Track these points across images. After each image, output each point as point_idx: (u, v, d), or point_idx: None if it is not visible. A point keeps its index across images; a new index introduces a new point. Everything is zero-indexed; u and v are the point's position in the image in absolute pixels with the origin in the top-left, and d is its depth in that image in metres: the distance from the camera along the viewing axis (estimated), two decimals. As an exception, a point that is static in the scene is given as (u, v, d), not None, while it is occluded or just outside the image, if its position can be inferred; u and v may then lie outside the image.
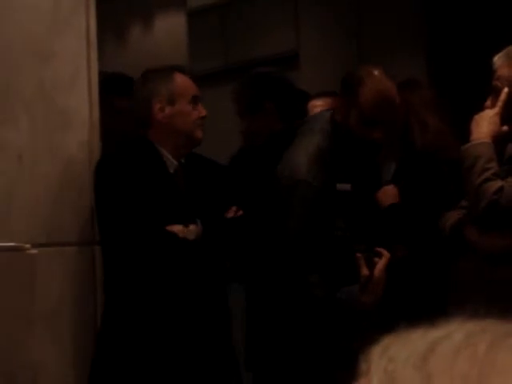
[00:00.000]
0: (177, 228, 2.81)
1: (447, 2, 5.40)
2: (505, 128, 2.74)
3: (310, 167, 2.88)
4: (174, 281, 2.81)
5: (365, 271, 2.74)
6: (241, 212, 2.97)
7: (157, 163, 2.91)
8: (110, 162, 2.90)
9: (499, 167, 2.67)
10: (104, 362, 2.87)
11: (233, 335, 3.09)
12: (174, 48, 5.66)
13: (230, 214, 2.95)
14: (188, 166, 2.98)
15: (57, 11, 3.04)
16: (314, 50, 5.90)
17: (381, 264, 2.76)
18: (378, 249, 2.80)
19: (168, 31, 5.81)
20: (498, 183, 2.63)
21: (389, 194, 3.27)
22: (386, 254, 2.78)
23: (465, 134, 2.81)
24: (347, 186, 2.97)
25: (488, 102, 2.78)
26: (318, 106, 4.08)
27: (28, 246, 2.83)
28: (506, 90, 2.73)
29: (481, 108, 2.79)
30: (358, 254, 2.76)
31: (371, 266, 2.75)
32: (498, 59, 2.77)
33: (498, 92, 2.75)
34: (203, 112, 2.98)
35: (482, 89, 2.82)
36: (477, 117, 2.76)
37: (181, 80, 2.97)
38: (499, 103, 2.73)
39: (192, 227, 2.85)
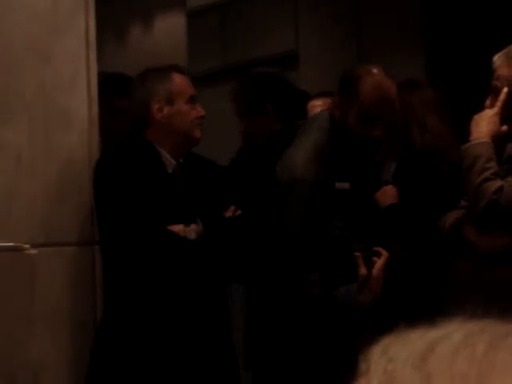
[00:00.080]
0: (178, 228, 2.81)
1: (447, 1, 5.39)
2: (504, 128, 2.74)
3: (307, 165, 2.88)
4: (175, 280, 2.80)
5: (363, 271, 2.73)
6: (239, 211, 2.97)
7: (156, 163, 2.91)
8: (110, 161, 2.90)
9: (499, 167, 2.67)
10: (102, 361, 2.87)
11: (232, 335, 3.09)
12: (173, 48, 5.65)
13: (229, 214, 2.95)
14: (186, 165, 2.98)
15: (56, 12, 3.04)
16: (313, 50, 5.89)
17: (379, 263, 2.75)
18: (377, 248, 2.79)
19: (167, 31, 5.80)
20: (498, 183, 2.63)
21: (388, 194, 3.27)
22: (384, 253, 2.77)
23: (464, 133, 2.81)
24: (346, 185, 2.96)
25: (487, 102, 2.78)
26: (317, 106, 4.08)
27: (27, 246, 2.83)
28: (505, 89, 2.73)
29: (480, 108, 2.79)
30: (357, 253, 2.75)
31: (370, 265, 2.74)
32: (497, 59, 2.77)
33: (497, 92, 2.75)
34: (201, 111, 2.98)
35: (481, 89, 2.82)
36: (476, 117, 2.76)
37: (178, 80, 2.98)
38: (499, 103, 2.73)
39: (193, 227, 2.85)
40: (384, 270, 2.76)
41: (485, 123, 2.71)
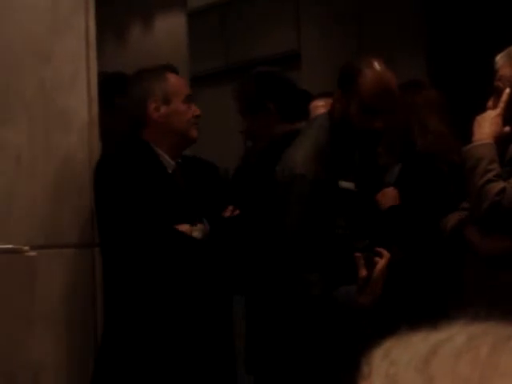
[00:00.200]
0: (184, 227, 2.82)
1: (447, 1, 5.39)
2: (507, 129, 2.74)
3: (307, 163, 2.86)
4: (181, 279, 2.80)
5: (363, 272, 2.71)
6: (237, 211, 2.97)
7: (155, 164, 2.91)
8: (110, 163, 2.90)
9: (501, 168, 2.66)
10: (107, 363, 2.87)
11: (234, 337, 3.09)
12: (174, 48, 5.66)
13: (227, 214, 2.95)
14: (184, 166, 2.99)
15: (56, 11, 3.04)
16: (314, 50, 5.89)
17: (380, 264, 2.73)
18: (378, 249, 2.77)
19: (168, 31, 5.81)
20: (501, 184, 2.62)
21: (389, 195, 3.26)
22: (386, 254, 2.75)
23: (466, 135, 2.80)
24: (350, 185, 2.95)
25: (490, 103, 2.77)
26: (320, 106, 4.07)
27: (26, 248, 2.83)
28: (507, 90, 2.72)
29: (482, 109, 2.79)
30: (358, 254, 2.73)
31: (371, 266, 2.73)
32: (499, 59, 2.76)
33: (499, 92, 2.74)
34: (197, 111, 2.99)
35: (483, 89, 2.82)
36: (479, 118, 2.75)
37: (174, 79, 2.99)
38: (501, 104, 2.72)
39: (199, 226, 2.85)
40: (385, 271, 2.74)
41: (487, 124, 2.71)
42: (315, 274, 2.82)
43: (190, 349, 2.83)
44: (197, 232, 2.84)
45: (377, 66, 2.87)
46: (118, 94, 3.39)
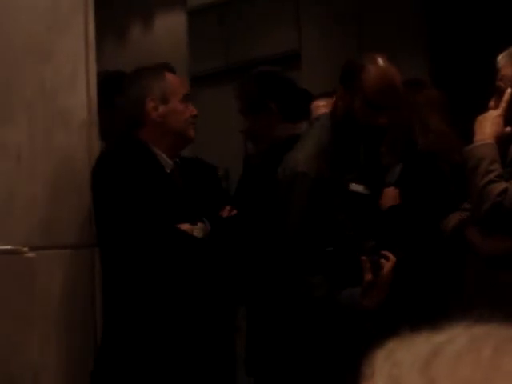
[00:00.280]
0: (184, 226, 2.81)
1: (448, 1, 5.38)
2: (508, 129, 2.73)
3: (308, 160, 2.85)
4: (182, 278, 2.80)
5: (369, 276, 2.69)
6: (235, 211, 2.97)
7: (153, 163, 2.91)
8: (108, 163, 2.89)
9: (503, 169, 2.66)
10: (106, 363, 2.87)
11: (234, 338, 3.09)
12: (174, 47, 5.65)
13: (225, 214, 2.95)
14: (182, 165, 2.98)
15: (56, 11, 3.04)
16: (314, 50, 5.89)
17: (386, 268, 2.70)
18: (385, 252, 2.74)
19: (168, 31, 5.80)
20: (502, 185, 2.61)
21: (389, 195, 3.26)
22: (392, 258, 2.73)
23: (468, 134, 2.79)
24: (361, 188, 2.93)
25: (491, 103, 2.76)
26: (321, 106, 4.07)
27: (25, 248, 2.82)
28: (509, 90, 2.71)
29: (484, 109, 2.78)
30: (364, 258, 2.71)
31: (376, 269, 2.70)
32: (501, 59, 2.75)
33: (501, 92, 2.73)
34: (194, 111, 2.99)
35: (484, 89, 2.81)
36: (480, 118, 2.74)
37: (172, 78, 2.99)
38: (503, 104, 2.71)
39: (200, 225, 2.85)
40: (390, 275, 2.71)
41: (489, 124, 2.70)
42: (318, 275, 2.80)
43: (189, 348, 2.82)
44: (197, 231, 2.84)
45: (380, 61, 2.86)
46: (118, 93, 3.39)
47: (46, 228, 2.94)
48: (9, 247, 2.82)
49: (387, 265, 2.71)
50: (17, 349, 2.86)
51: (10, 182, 2.90)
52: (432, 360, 0.63)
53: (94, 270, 3.00)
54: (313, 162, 2.84)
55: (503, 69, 2.74)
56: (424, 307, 3.05)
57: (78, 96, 3.05)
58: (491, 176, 2.62)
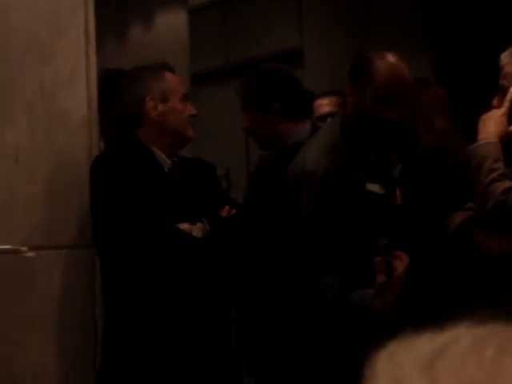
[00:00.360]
0: (184, 226, 2.81)
1: (450, 0, 5.38)
2: (512, 128, 2.72)
3: (317, 159, 2.82)
4: (181, 278, 2.79)
5: (382, 278, 2.63)
6: (234, 211, 2.96)
7: (152, 163, 2.90)
8: (107, 163, 2.88)
9: (506, 167, 2.65)
10: (107, 363, 2.88)
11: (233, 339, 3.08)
12: (174, 46, 5.65)
13: (224, 213, 2.94)
14: (180, 165, 2.97)
15: (56, 10, 3.04)
16: (317, 48, 5.88)
17: (399, 270, 2.64)
18: (398, 252, 2.68)
19: (168, 29, 5.80)
20: (506, 184, 2.60)
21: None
22: (405, 259, 2.67)
23: (471, 133, 2.78)
24: (377, 187, 2.90)
25: (495, 102, 2.75)
26: (323, 104, 4.07)
27: (25, 248, 2.82)
28: None
29: (487, 107, 2.76)
30: (377, 259, 2.65)
31: (389, 270, 2.64)
32: (504, 57, 2.74)
33: (504, 91, 2.72)
34: (193, 110, 3.00)
35: (488, 88, 2.79)
36: (484, 117, 2.73)
37: (171, 78, 2.99)
38: (506, 103, 2.70)
39: (199, 225, 2.84)
40: (403, 276, 2.66)
41: (492, 123, 2.69)
42: (329, 276, 2.75)
43: (189, 348, 2.83)
44: (196, 231, 2.83)
45: (389, 56, 2.85)
46: (117, 92, 3.38)
47: (45, 228, 2.94)
48: (8, 247, 2.82)
49: (400, 266, 2.65)
50: (17, 348, 2.87)
51: (10, 182, 2.89)
52: (434, 361, 0.62)
53: (94, 269, 3.00)
54: (322, 160, 2.82)
55: (506, 67, 2.73)
56: (427, 307, 3.04)
57: (78, 96, 3.05)
58: (495, 175, 2.61)
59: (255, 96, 3.35)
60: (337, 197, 2.81)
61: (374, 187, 2.90)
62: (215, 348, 2.90)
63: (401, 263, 2.66)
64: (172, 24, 5.75)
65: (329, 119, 4.04)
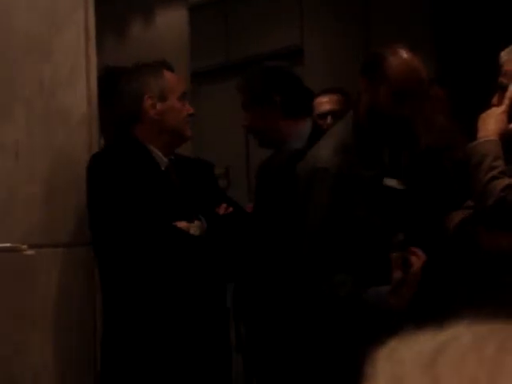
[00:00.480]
0: (181, 224, 2.81)
1: (453, 1, 5.38)
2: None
3: (329, 156, 2.79)
4: (178, 275, 2.79)
5: (398, 274, 2.61)
6: (231, 209, 2.96)
7: (149, 161, 2.90)
8: (103, 161, 2.88)
9: (506, 165, 2.65)
10: (107, 363, 2.88)
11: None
12: (174, 44, 5.64)
13: (221, 211, 2.94)
14: (177, 163, 2.97)
15: (56, 7, 3.04)
16: (317, 46, 5.88)
17: (416, 266, 2.62)
18: (414, 249, 2.65)
19: (169, 27, 5.79)
20: (506, 181, 2.61)
21: None
22: (422, 255, 2.64)
23: (472, 131, 2.78)
24: (395, 182, 2.89)
25: (494, 100, 2.75)
26: (323, 102, 4.07)
27: (24, 246, 2.81)
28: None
29: (487, 105, 2.77)
30: (394, 254, 2.62)
31: (406, 267, 2.61)
32: (504, 55, 2.74)
33: (504, 89, 2.72)
34: (191, 109, 3.00)
35: (491, 88, 2.79)
36: (483, 115, 2.74)
37: (170, 76, 2.99)
38: (506, 101, 2.70)
39: (197, 223, 2.84)
40: (420, 273, 2.63)
41: (492, 121, 2.69)
42: (342, 274, 2.73)
43: (187, 346, 2.83)
44: (194, 229, 2.83)
45: (403, 51, 2.84)
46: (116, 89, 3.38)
47: (45, 225, 2.94)
48: (8, 245, 2.82)
49: (417, 262, 2.62)
50: (17, 348, 2.87)
51: (9, 180, 2.89)
52: (435, 358, 0.62)
53: (94, 268, 2.99)
54: (334, 158, 2.79)
55: (506, 65, 2.73)
56: (427, 305, 3.04)
57: (78, 93, 3.05)
58: (495, 172, 2.61)
59: (256, 91, 3.35)
60: (349, 194, 2.77)
61: (391, 182, 2.88)
62: (213, 346, 2.90)
63: (417, 260, 2.63)
64: (172, 22, 5.74)
65: (329, 117, 4.05)
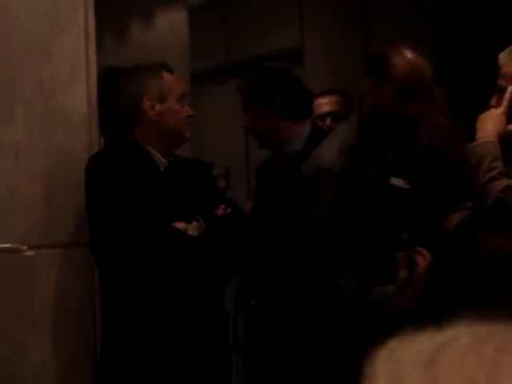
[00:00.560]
0: (179, 225, 2.82)
1: (453, 1, 5.37)
2: (510, 127, 2.73)
3: (334, 157, 2.79)
4: (176, 276, 2.79)
5: (404, 273, 2.60)
6: (229, 209, 2.96)
7: (148, 162, 2.91)
8: (102, 162, 2.88)
9: (505, 166, 2.65)
10: (106, 363, 2.88)
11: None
12: (174, 45, 5.64)
13: (220, 212, 2.95)
14: (176, 164, 2.98)
15: (56, 8, 3.04)
16: (317, 47, 5.88)
17: (422, 266, 2.61)
18: (420, 249, 2.65)
19: (169, 28, 5.79)
20: (504, 182, 2.61)
21: None
22: (427, 255, 2.64)
23: (471, 132, 2.79)
24: (400, 181, 2.89)
25: (493, 101, 2.76)
26: (323, 103, 4.07)
27: (24, 247, 2.82)
28: (510, 88, 2.71)
29: (486, 107, 2.77)
30: (400, 254, 2.62)
31: (411, 266, 2.60)
32: (502, 57, 2.75)
33: (502, 91, 2.73)
34: (189, 111, 3.00)
35: (488, 87, 2.80)
36: (482, 116, 2.74)
37: (169, 78, 2.99)
38: (505, 102, 2.71)
39: (195, 224, 2.85)
40: (425, 273, 2.62)
41: (491, 122, 2.70)
42: (347, 275, 2.71)
43: (186, 347, 2.83)
44: (192, 230, 2.84)
45: (408, 51, 2.84)
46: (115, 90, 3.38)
47: (44, 226, 2.94)
48: (8, 245, 2.81)
49: (423, 262, 2.62)
50: (17, 348, 2.86)
51: (9, 180, 2.89)
52: (435, 358, 0.62)
53: (94, 268, 3.00)
54: (338, 159, 2.78)
55: (504, 66, 2.74)
56: (427, 306, 3.04)
57: (78, 94, 3.05)
58: (493, 173, 2.62)
59: (256, 92, 3.35)
60: (353, 194, 2.76)
61: (398, 181, 2.88)
62: (212, 347, 2.90)
63: (423, 259, 2.62)
64: (172, 23, 5.74)
65: (328, 118, 4.05)
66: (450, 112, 3.38)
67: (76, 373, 3.00)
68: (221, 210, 2.96)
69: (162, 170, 2.93)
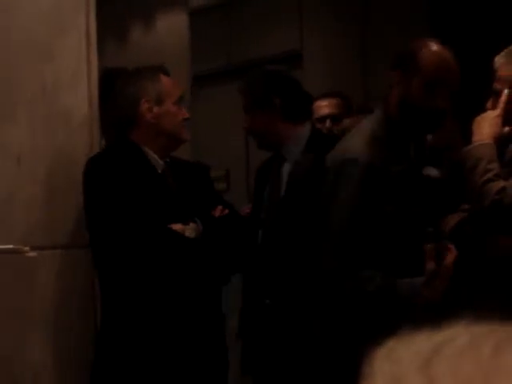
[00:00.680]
0: (177, 226, 2.82)
1: (451, 1, 5.38)
2: (506, 129, 2.74)
3: (359, 148, 2.75)
4: (174, 278, 2.80)
5: (432, 265, 2.57)
6: (226, 211, 2.97)
7: (145, 164, 2.92)
8: (100, 165, 2.89)
9: (501, 168, 2.67)
10: (104, 362, 2.88)
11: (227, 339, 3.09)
12: (175, 47, 5.65)
13: (217, 213, 2.96)
14: (173, 166, 2.99)
15: (58, 11, 3.04)
16: (316, 49, 5.89)
17: (450, 258, 2.58)
18: (446, 242, 2.62)
19: (169, 31, 5.80)
20: (500, 184, 2.62)
21: None
22: (453, 250, 2.60)
23: (467, 135, 2.80)
24: (434, 171, 2.87)
25: (489, 104, 2.77)
26: (322, 106, 4.08)
27: (27, 248, 2.83)
28: (506, 91, 2.72)
29: (482, 109, 2.79)
30: (429, 246, 2.58)
31: (439, 258, 2.57)
32: (498, 59, 2.76)
33: (498, 93, 2.74)
34: (186, 114, 3.01)
35: (483, 90, 2.81)
36: (478, 118, 2.75)
37: (166, 80, 3.00)
38: (500, 104, 2.72)
39: (192, 225, 2.86)
40: (452, 267, 2.59)
41: (487, 125, 2.71)
42: (370, 269, 2.67)
43: (183, 348, 2.83)
44: (189, 231, 2.84)
45: (434, 44, 2.84)
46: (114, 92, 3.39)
47: (45, 227, 2.94)
48: (10, 246, 2.82)
49: (450, 255, 2.58)
50: (18, 348, 2.86)
51: (11, 182, 2.89)
52: (432, 358, 0.63)
53: (93, 269, 3.00)
54: (363, 149, 2.74)
55: (500, 70, 2.75)
56: (427, 308, 3.04)
57: (79, 96, 3.06)
58: (489, 175, 2.62)
59: (257, 94, 3.37)
60: (377, 186, 2.72)
61: (432, 172, 2.87)
62: (208, 347, 2.90)
63: (450, 253, 2.60)
64: (173, 26, 5.75)
65: (328, 120, 4.07)
66: (449, 112, 3.39)
67: (76, 373, 3.00)
68: (218, 211, 2.97)
69: (159, 171, 2.94)
